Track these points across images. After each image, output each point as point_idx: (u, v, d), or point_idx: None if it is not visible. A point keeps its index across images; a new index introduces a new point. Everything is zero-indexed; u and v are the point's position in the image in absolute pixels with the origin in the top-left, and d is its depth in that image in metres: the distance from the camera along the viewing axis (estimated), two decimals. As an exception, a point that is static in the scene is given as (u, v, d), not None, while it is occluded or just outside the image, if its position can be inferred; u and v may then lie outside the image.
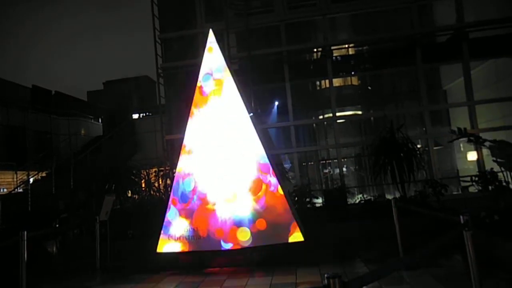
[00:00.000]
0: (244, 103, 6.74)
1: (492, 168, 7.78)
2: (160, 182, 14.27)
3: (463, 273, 4.29)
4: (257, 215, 6.19)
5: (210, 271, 6.05)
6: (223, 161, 6.53)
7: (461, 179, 11.31)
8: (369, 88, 15.88)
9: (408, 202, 7.60)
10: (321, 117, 14.67)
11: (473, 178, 8.09)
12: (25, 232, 5.00)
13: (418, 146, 11.33)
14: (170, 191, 6.94)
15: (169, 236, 6.50)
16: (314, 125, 15.14)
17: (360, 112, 15.15)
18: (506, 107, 11.77)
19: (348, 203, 9.99)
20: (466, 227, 3.23)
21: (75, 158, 18.08)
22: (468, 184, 8.41)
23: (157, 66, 13.43)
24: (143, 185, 12.88)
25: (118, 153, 17.53)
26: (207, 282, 5.43)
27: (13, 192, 16.08)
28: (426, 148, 11.86)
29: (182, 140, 6.95)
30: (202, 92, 6.93)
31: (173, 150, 12.42)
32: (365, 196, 10.05)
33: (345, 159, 14.98)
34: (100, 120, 27.80)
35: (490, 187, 7.45)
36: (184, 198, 6.58)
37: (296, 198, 9.50)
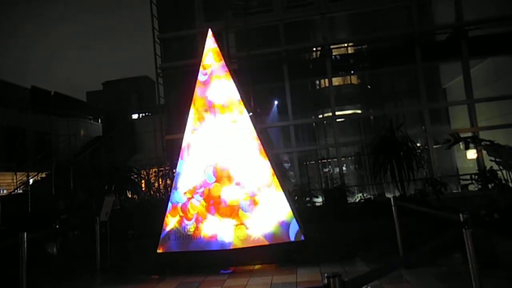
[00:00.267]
0: (244, 102, 6.74)
1: (491, 167, 7.79)
2: (160, 182, 14.27)
3: (463, 272, 4.29)
4: (257, 215, 6.19)
5: (211, 271, 6.05)
6: (223, 161, 6.52)
7: (460, 177, 11.32)
8: (369, 87, 15.88)
9: (408, 201, 7.60)
10: (320, 116, 14.66)
11: (473, 176, 8.10)
12: (25, 233, 4.99)
13: (418, 144, 11.33)
14: (170, 191, 6.94)
15: (170, 236, 6.50)
16: (314, 124, 15.13)
17: (359, 111, 15.14)
18: (505, 106, 11.76)
19: (348, 202, 9.99)
20: (466, 226, 3.23)
21: (74, 158, 18.08)
22: (467, 182, 8.43)
23: (156, 66, 13.42)
24: (143, 185, 12.88)
25: (117, 154, 17.53)
26: (207, 282, 5.43)
27: (13, 193, 16.08)
28: (426, 147, 11.86)
29: (182, 140, 6.95)
30: (201, 92, 6.93)
31: (172, 150, 12.40)
32: (365, 195, 10.06)
33: (345, 158, 14.98)
34: (99, 121, 27.79)
35: (489, 186, 7.46)
36: (184, 198, 6.58)
37: (296, 197, 9.50)
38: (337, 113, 12.66)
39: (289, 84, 12.47)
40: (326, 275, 2.04)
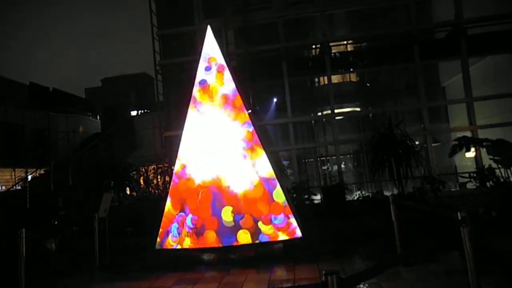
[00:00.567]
0: (243, 99, 6.73)
1: (490, 165, 7.81)
2: (159, 179, 14.27)
3: (461, 269, 4.31)
4: (256, 212, 6.19)
5: (209, 267, 6.06)
6: (221, 157, 6.52)
7: (459, 175, 11.35)
8: (368, 84, 15.88)
9: (406, 199, 7.62)
10: (319, 113, 14.67)
11: (471, 174, 8.12)
12: (24, 230, 4.99)
13: (417, 142, 11.35)
14: (169, 188, 6.94)
15: (168, 233, 6.51)
16: (313, 121, 15.13)
17: (358, 109, 15.15)
18: (504, 104, 11.78)
19: (347, 199, 10.03)
20: (464, 224, 3.25)
21: (73, 155, 18.05)
22: (466, 180, 8.45)
23: (155, 63, 13.39)
24: (142, 182, 12.88)
25: (116, 150, 17.50)
26: (206, 279, 5.44)
27: (11, 189, 16.06)
28: (425, 145, 11.88)
29: (181, 136, 6.94)
30: (200, 89, 6.92)
31: (171, 147, 12.40)
32: (363, 192, 10.10)
33: (344, 156, 14.99)
34: (98, 117, 27.73)
35: (488, 184, 7.49)
36: (183, 196, 6.58)
37: (295, 195, 9.53)
38: (336, 110, 12.67)
39: (288, 81, 12.46)
40: (324, 272, 2.05)
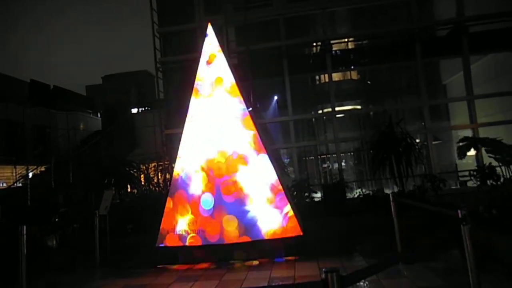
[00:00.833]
0: (243, 97, 6.72)
1: (490, 163, 7.81)
2: (160, 177, 14.29)
3: (461, 267, 4.31)
4: (256, 210, 6.20)
5: (209, 264, 6.07)
6: (222, 154, 6.52)
7: (459, 173, 11.34)
8: (369, 82, 15.85)
9: (407, 197, 7.62)
10: (320, 111, 14.64)
11: (472, 172, 8.11)
12: (24, 227, 5.00)
13: (417, 140, 11.34)
14: (169, 185, 6.94)
15: (169, 231, 6.52)
16: (313, 119, 15.12)
17: (359, 107, 15.12)
18: (505, 102, 11.76)
19: (347, 197, 10.03)
20: (464, 222, 3.24)
21: (74, 152, 18.07)
22: (466, 179, 8.44)
23: (155, 60, 13.37)
24: (143, 180, 12.89)
25: (117, 148, 17.52)
26: (206, 276, 5.45)
27: (12, 186, 16.09)
28: (425, 143, 11.87)
29: (181, 134, 6.94)
30: (201, 87, 6.90)
31: (172, 144, 12.41)
32: (363, 190, 10.10)
33: (344, 154, 14.99)
34: (99, 115, 27.74)
35: (488, 182, 7.48)
36: (183, 193, 6.59)
37: (295, 193, 9.53)
38: (336, 108, 12.66)
39: (289, 79, 12.44)
40: (324, 269, 2.05)
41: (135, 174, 11.96)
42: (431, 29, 12.84)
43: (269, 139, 11.76)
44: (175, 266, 6.10)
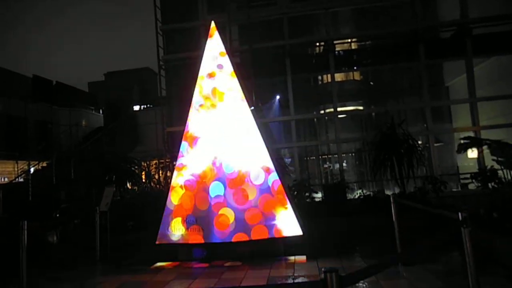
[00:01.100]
0: (246, 96, 6.72)
1: (492, 166, 7.79)
2: (161, 174, 14.31)
3: (460, 270, 4.31)
4: (256, 209, 6.21)
5: (209, 263, 6.08)
6: (224, 152, 6.53)
7: (461, 176, 11.32)
8: (371, 83, 15.82)
9: (407, 198, 7.61)
10: (322, 111, 14.63)
11: (473, 175, 8.09)
12: (25, 222, 5.01)
13: (419, 142, 11.32)
14: (170, 183, 6.96)
15: (169, 228, 6.53)
16: (315, 119, 15.11)
17: (361, 108, 15.10)
18: (508, 105, 11.72)
19: (348, 198, 10.02)
20: (465, 224, 3.24)
21: (76, 148, 18.10)
22: (468, 181, 8.42)
23: (158, 58, 13.38)
24: (144, 177, 12.91)
25: (119, 145, 17.55)
26: (206, 274, 5.46)
27: (14, 181, 16.15)
28: (427, 145, 11.85)
29: (183, 132, 6.95)
30: (203, 85, 6.91)
31: (173, 142, 12.42)
32: (364, 191, 10.09)
33: (345, 154, 14.97)
34: (101, 111, 27.77)
35: (490, 185, 7.47)
36: (185, 190, 6.60)
37: (296, 193, 9.53)
38: (339, 109, 12.64)
39: (291, 78, 12.43)
40: (323, 269, 2.05)
41: (136, 171, 11.99)
42: (434, 30, 12.81)
43: (271, 138, 11.76)
44: (175, 264, 6.11)
